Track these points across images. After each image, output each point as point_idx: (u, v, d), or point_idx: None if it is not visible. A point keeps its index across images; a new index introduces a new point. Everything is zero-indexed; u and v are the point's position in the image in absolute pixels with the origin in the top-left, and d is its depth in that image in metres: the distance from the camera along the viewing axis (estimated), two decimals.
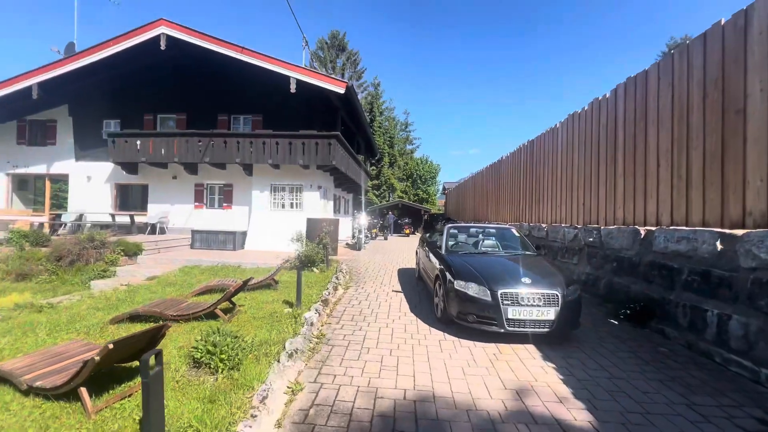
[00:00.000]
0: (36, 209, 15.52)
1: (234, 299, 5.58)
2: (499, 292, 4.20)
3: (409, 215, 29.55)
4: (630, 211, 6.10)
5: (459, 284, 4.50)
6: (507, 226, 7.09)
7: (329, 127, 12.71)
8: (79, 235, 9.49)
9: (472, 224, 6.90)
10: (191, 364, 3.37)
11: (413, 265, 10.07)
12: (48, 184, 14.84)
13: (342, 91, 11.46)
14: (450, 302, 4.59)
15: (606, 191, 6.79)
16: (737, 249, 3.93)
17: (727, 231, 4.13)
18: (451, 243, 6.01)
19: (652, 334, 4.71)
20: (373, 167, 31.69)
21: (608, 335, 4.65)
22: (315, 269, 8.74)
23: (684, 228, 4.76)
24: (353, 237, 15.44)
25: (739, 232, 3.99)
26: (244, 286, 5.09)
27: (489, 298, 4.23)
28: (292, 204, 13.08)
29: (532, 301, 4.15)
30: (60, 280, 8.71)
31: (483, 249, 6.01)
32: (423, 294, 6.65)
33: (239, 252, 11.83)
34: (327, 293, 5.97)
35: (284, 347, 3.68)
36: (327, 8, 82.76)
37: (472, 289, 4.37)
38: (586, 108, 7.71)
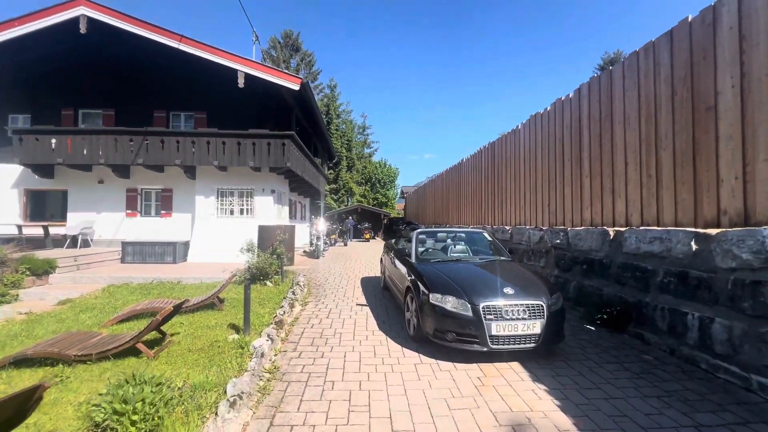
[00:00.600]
0: None
1: (166, 326, 4.61)
2: (481, 305, 3.73)
3: (369, 219, 29.00)
4: (598, 212, 6.00)
5: (435, 298, 3.97)
6: (478, 229, 6.74)
7: (283, 128, 11.78)
8: None
9: (441, 228, 6.46)
10: None
11: (377, 273, 9.48)
12: None
13: (296, 87, 10.64)
14: (425, 318, 4.05)
15: (572, 192, 6.69)
16: (713, 249, 3.79)
17: (702, 231, 4.01)
18: (421, 250, 5.50)
19: (632, 340, 4.51)
20: (331, 171, 30.77)
21: (589, 344, 4.38)
22: (268, 282, 7.83)
23: (656, 228, 4.64)
24: (311, 244, 14.53)
25: (714, 231, 3.87)
26: (176, 311, 4.17)
27: (470, 313, 3.74)
28: (242, 210, 11.93)
29: (517, 314, 3.72)
30: None
31: (455, 255, 5.58)
32: (391, 306, 6.06)
33: (180, 265, 10.48)
34: (282, 312, 5.17)
35: (225, 391, 2.90)
36: (279, 6, 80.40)
37: (450, 303, 3.86)
38: (548, 108, 7.65)
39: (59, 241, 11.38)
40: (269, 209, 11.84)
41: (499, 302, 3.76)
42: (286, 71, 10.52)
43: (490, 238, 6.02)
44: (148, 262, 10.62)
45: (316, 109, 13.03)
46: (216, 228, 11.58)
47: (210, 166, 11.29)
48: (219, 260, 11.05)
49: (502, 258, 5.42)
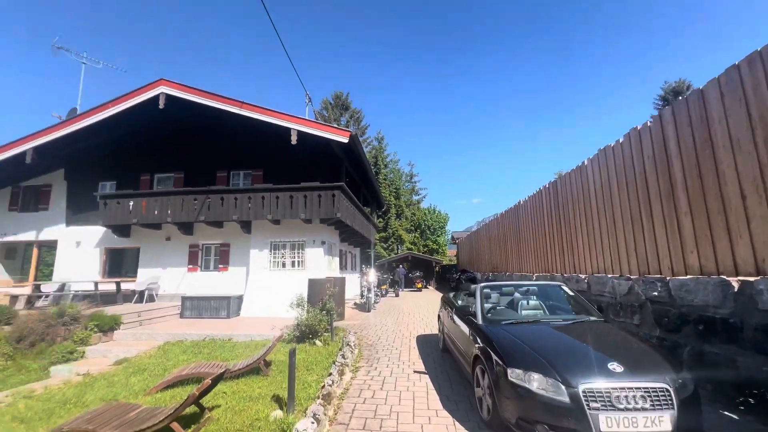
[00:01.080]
0: (21, 279, 14.49)
1: (208, 396, 4.21)
2: (581, 387, 2.85)
3: (420, 267, 28.04)
4: (708, 257, 4.83)
5: (514, 374, 3.16)
6: (554, 282, 5.73)
7: (333, 180, 11.95)
8: (49, 309, 8.30)
9: (509, 282, 5.61)
10: None
11: (433, 330, 8.59)
12: (35, 251, 13.97)
13: (345, 140, 10.87)
14: (503, 401, 3.21)
15: (667, 233, 5.57)
16: None
17: None
18: (488, 308, 4.71)
19: None
20: (381, 219, 30.91)
21: None
22: (317, 341, 7.32)
23: None
24: (361, 296, 14.02)
25: None
26: (216, 383, 3.77)
27: (566, 398, 2.86)
28: (293, 263, 11.91)
29: (633, 402, 2.77)
30: (16, 366, 7.37)
31: (529, 314, 4.70)
32: (454, 374, 5.19)
33: (233, 320, 10.44)
34: (330, 381, 4.57)
35: None
36: (330, 68, 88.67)
37: (537, 383, 3.02)
38: (621, 140, 6.79)
39: (129, 296, 12.08)
40: (320, 261, 11.69)
41: (605, 383, 2.85)
42: (335, 126, 10.89)
43: (570, 292, 5.06)
44: (203, 317, 10.74)
45: (364, 159, 13.21)
46: (268, 281, 11.59)
47: (264, 220, 11.60)
48: (271, 314, 10.89)
49: (592, 318, 4.42)
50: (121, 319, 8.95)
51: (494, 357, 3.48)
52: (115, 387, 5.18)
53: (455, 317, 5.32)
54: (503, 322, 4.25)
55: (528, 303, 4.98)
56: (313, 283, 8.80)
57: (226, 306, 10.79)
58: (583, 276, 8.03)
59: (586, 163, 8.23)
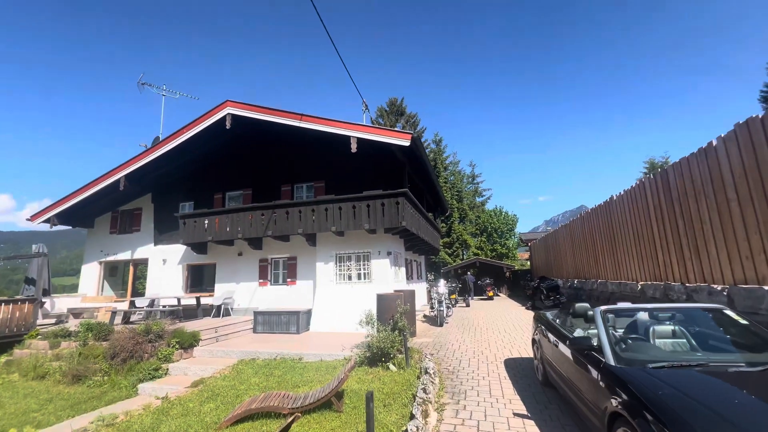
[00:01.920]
0: (122, 294, 16.12)
1: None
2: None
3: (489, 274, 26.20)
4: None
5: None
6: (712, 305, 4.19)
7: (395, 186, 11.31)
8: (138, 326, 8.77)
9: (638, 305, 4.31)
10: None
11: (522, 352, 7.39)
12: (131, 269, 15.46)
13: (407, 143, 10.17)
14: None
15: None
16: None
17: None
18: (618, 343, 3.55)
19: None
20: (443, 224, 29.68)
21: None
22: (391, 365, 6.61)
23: None
24: (431, 307, 13.10)
25: None
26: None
27: None
28: (359, 275, 11.45)
29: None
30: (111, 382, 7.78)
31: (681, 352, 3.45)
32: (567, 421, 4.07)
33: (303, 336, 10.23)
34: (414, 428, 3.78)
35: None
36: (386, 76, 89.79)
37: None
38: None
39: (208, 310, 12.63)
40: (386, 272, 11.07)
41: None
42: (395, 129, 10.26)
43: (741, 320, 3.65)
44: (275, 332, 10.71)
45: (427, 162, 12.40)
46: (335, 294, 11.27)
47: (328, 232, 11.35)
48: (339, 329, 10.51)
49: None
50: (200, 335, 9.16)
51: (651, 421, 2.39)
52: (188, 416, 4.97)
53: (563, 346, 4.22)
54: (650, 365, 3.08)
55: (672, 333, 3.70)
56: (382, 299, 8.16)
57: (296, 321, 10.64)
58: (718, 287, 6.29)
59: (715, 143, 6.48)
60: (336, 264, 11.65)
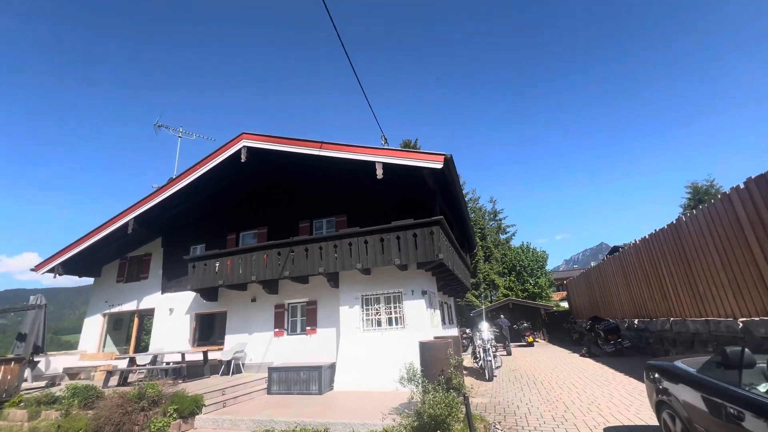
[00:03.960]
0: (125, 350, 14.65)
1: None
2: None
3: (524, 316, 23.77)
4: None
5: None
6: None
7: (426, 217, 10.02)
8: (130, 391, 7.24)
9: None
10: None
11: (621, 416, 5.49)
12: (136, 321, 14.14)
13: (439, 165, 9.07)
14: None
15: None
16: None
17: None
18: None
19: None
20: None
21: None
22: None
23: None
24: (474, 358, 11.16)
25: None
26: None
27: None
28: (390, 320, 9.81)
29: None
30: None
31: None
32: None
33: (327, 397, 8.46)
34: None
35: None
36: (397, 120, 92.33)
37: None
38: None
39: (216, 367, 10.99)
40: (422, 315, 9.43)
41: None
42: (425, 151, 9.20)
43: None
44: (292, 392, 8.97)
45: (458, 189, 11.18)
46: (363, 344, 9.59)
47: (353, 270, 9.96)
48: (369, 386, 8.72)
49: None
50: (203, 400, 7.53)
51: None
52: None
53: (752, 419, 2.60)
54: None
55: None
56: (427, 349, 6.51)
57: (317, 378, 8.91)
58: None
59: None
60: (362, 307, 10.08)
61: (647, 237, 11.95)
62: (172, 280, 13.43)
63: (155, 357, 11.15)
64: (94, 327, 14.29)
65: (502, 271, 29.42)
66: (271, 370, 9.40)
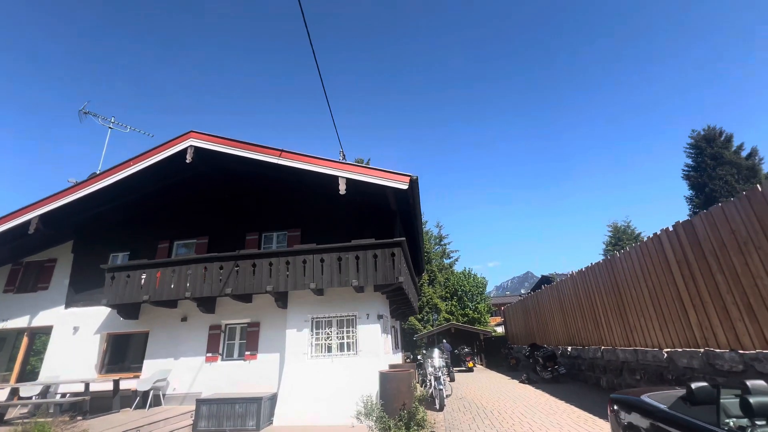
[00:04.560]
0: (6, 378, 11.88)
1: None
2: None
3: (464, 341, 24.23)
4: None
5: None
6: None
7: (384, 238, 9.75)
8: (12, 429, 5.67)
9: None
10: None
11: None
12: (25, 341, 11.58)
13: (404, 186, 8.94)
14: None
15: None
16: None
17: None
18: None
19: None
20: None
21: None
22: None
23: None
24: (425, 386, 10.84)
25: None
26: None
27: None
28: (342, 345, 9.17)
29: None
30: None
31: None
32: None
33: None
34: None
35: None
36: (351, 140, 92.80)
37: None
38: None
39: (129, 398, 9.29)
40: (376, 341, 8.95)
41: None
42: (391, 171, 9.03)
43: None
44: (225, 429, 7.81)
45: (418, 212, 11.15)
46: (310, 371, 8.78)
47: (304, 290, 9.22)
48: (316, 421, 7.90)
49: None
50: None
51: None
52: None
53: None
54: None
55: None
56: (387, 380, 6.04)
57: (256, 411, 7.89)
58: None
59: (760, 188, 5.90)
60: (312, 330, 9.32)
61: (583, 270, 12.88)
62: (81, 293, 11.32)
63: (47, 387, 9.13)
64: None
65: (444, 295, 30.01)
66: (200, 402, 8.14)
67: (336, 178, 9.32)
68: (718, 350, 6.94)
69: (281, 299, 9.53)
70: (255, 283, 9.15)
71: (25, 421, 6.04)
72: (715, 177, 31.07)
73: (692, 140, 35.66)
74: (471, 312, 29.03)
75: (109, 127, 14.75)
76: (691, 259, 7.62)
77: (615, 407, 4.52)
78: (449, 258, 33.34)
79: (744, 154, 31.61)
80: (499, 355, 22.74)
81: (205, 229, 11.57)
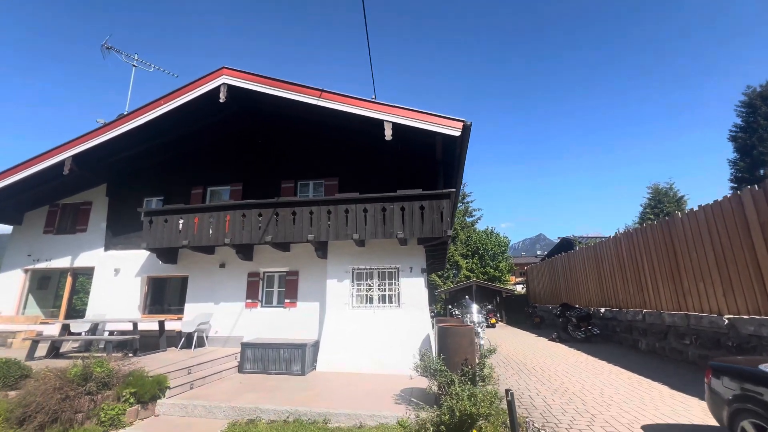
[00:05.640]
0: (54, 314, 12.42)
1: None
2: None
3: (485, 298, 24.36)
4: None
5: None
6: None
7: (427, 190, 9.11)
8: (73, 368, 5.73)
9: None
10: None
11: (649, 414, 5.16)
12: (69, 280, 11.91)
13: (457, 133, 8.17)
14: None
15: None
16: None
17: None
18: None
19: None
20: None
21: None
22: None
23: None
24: None
25: None
26: None
27: None
28: (383, 297, 9.00)
29: None
30: None
31: None
32: None
33: (311, 378, 7.54)
34: None
35: None
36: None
37: None
38: None
39: (173, 339, 9.53)
40: (420, 295, 8.74)
41: None
42: (445, 115, 8.20)
43: None
44: (270, 371, 7.93)
45: (463, 163, 10.35)
46: (352, 322, 8.71)
47: (345, 241, 8.93)
48: (358, 369, 7.94)
49: None
50: (167, 382, 6.25)
51: None
52: None
53: None
54: None
55: None
56: (448, 334, 5.76)
57: (300, 357, 7.93)
58: None
59: None
60: (353, 282, 9.14)
61: (630, 231, 12.19)
62: (119, 236, 11.35)
63: (95, 325, 9.38)
64: (11, 284, 11.81)
65: (465, 253, 29.86)
66: (245, 345, 8.22)
67: (381, 122, 8.57)
68: None
69: (321, 249, 9.27)
70: (295, 232, 8.85)
71: (80, 354, 6.12)
72: (766, 139, 28.52)
73: (746, 97, 32.56)
74: (492, 270, 28.97)
75: (133, 65, 13.96)
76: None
77: (717, 376, 4.11)
78: (471, 216, 32.74)
79: None
80: (521, 313, 22.88)
81: (240, 176, 11.17)
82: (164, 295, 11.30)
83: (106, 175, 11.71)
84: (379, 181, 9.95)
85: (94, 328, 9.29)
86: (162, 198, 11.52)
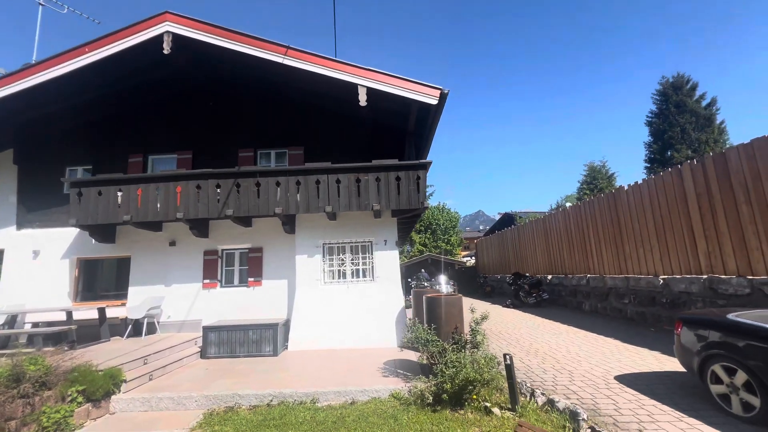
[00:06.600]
0: None
1: None
2: None
3: (438, 271, 25.29)
4: None
5: None
6: None
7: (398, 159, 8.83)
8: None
9: None
10: None
11: (616, 365, 5.65)
12: None
13: (434, 101, 7.91)
14: None
15: None
16: None
17: None
18: None
19: None
20: None
21: None
22: (496, 410, 4.27)
23: None
24: None
25: None
26: None
27: None
28: (356, 272, 8.71)
29: None
30: None
31: None
32: None
33: (285, 358, 7.14)
34: None
35: None
36: None
37: None
38: None
39: (117, 327, 8.40)
40: (394, 267, 8.60)
41: None
42: (422, 82, 7.85)
43: None
44: (238, 355, 7.36)
45: (433, 134, 10.19)
46: (324, 298, 8.34)
47: (316, 215, 8.39)
48: (332, 345, 7.69)
49: None
50: (122, 375, 5.44)
51: None
52: None
53: None
54: None
55: None
56: (436, 303, 5.69)
57: (272, 337, 7.45)
58: None
59: None
60: (324, 257, 8.69)
61: (579, 204, 13.21)
62: (35, 212, 9.48)
63: (13, 317, 7.89)
64: None
65: (419, 228, 30.51)
66: (208, 329, 7.49)
67: (353, 87, 7.99)
68: (723, 276, 7.42)
69: (289, 223, 8.62)
70: (260, 205, 8.08)
71: (11, 355, 5.05)
72: (675, 124, 32.27)
73: (661, 87, 36.47)
74: (443, 244, 30.06)
75: (40, 3, 11.31)
76: (714, 191, 7.72)
77: (687, 327, 4.53)
78: None
79: (704, 103, 32.82)
80: (473, 284, 24.19)
81: (189, 143, 9.83)
82: (100, 280, 9.83)
83: (14, 140, 9.61)
84: (346, 153, 9.41)
85: (11, 321, 7.80)
86: (90, 167, 9.79)
